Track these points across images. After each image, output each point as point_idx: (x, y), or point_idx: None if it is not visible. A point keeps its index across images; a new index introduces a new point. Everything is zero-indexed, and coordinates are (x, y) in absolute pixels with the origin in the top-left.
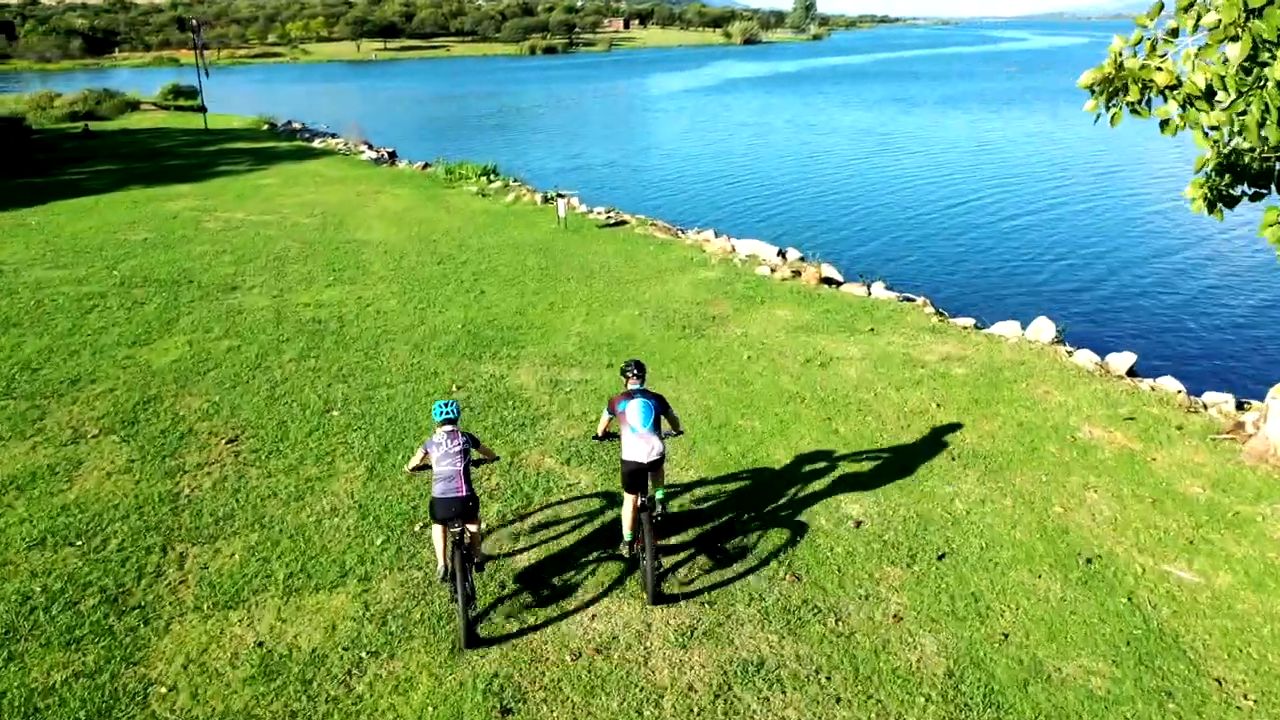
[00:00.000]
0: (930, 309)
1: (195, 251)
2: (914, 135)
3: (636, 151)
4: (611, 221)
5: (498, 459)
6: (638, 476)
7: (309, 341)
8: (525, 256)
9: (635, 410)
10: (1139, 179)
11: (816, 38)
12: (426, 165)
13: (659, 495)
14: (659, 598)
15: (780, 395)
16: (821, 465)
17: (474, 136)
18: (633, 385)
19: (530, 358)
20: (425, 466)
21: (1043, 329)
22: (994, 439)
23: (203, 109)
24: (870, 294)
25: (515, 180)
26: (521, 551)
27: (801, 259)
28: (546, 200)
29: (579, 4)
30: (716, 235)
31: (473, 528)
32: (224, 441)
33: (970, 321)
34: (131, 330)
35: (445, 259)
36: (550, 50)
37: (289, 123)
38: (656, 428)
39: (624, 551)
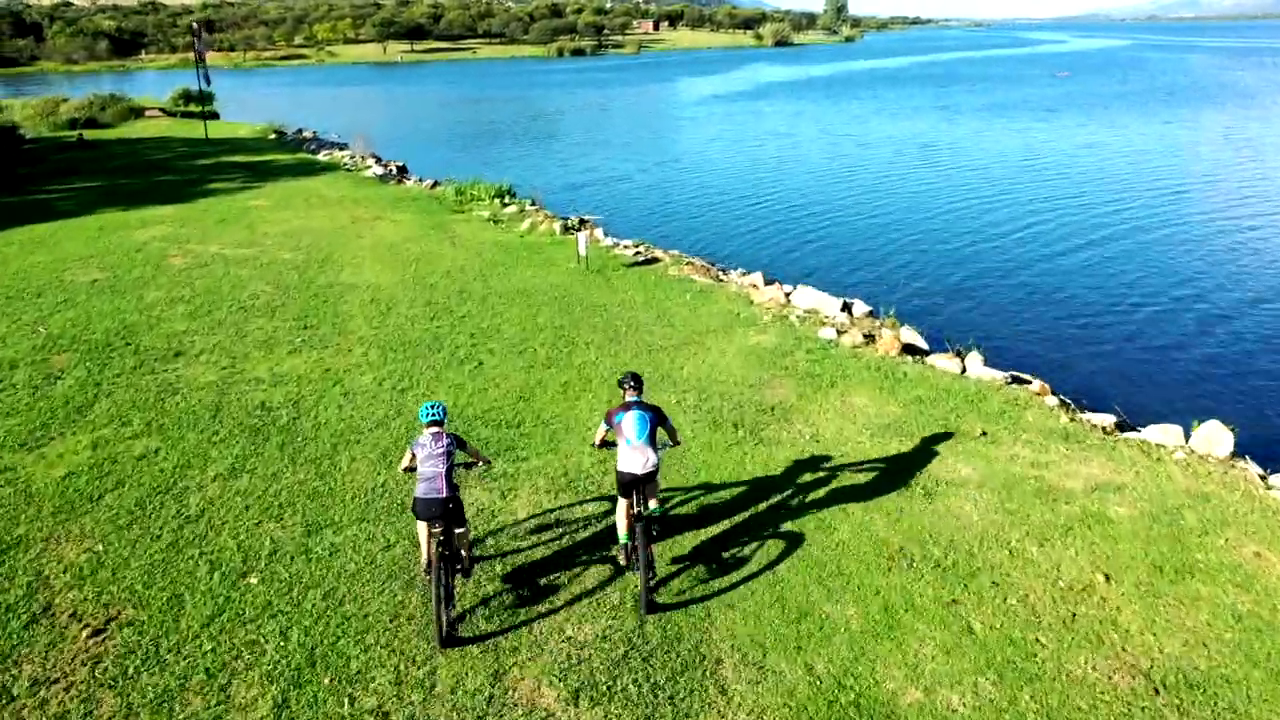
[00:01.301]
0: (1052, 399)
1: (148, 299)
2: (968, 147)
3: (665, 164)
4: (640, 259)
5: (489, 462)
6: (631, 486)
7: (248, 444)
8: (537, 310)
9: (631, 423)
10: None
11: (849, 40)
12: (435, 184)
13: (655, 511)
14: (652, 607)
15: (878, 552)
16: (962, 712)
17: (492, 145)
18: (630, 397)
19: (532, 476)
20: (415, 468)
21: (1216, 438)
22: (1207, 649)
23: (207, 117)
24: (966, 370)
25: (532, 203)
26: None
27: (872, 315)
28: (567, 230)
29: (608, 6)
30: (766, 282)
31: (459, 530)
32: (86, 634)
33: (1109, 420)
34: (28, 422)
35: (441, 312)
36: (579, 53)
37: (299, 131)
38: (652, 440)
39: (618, 554)
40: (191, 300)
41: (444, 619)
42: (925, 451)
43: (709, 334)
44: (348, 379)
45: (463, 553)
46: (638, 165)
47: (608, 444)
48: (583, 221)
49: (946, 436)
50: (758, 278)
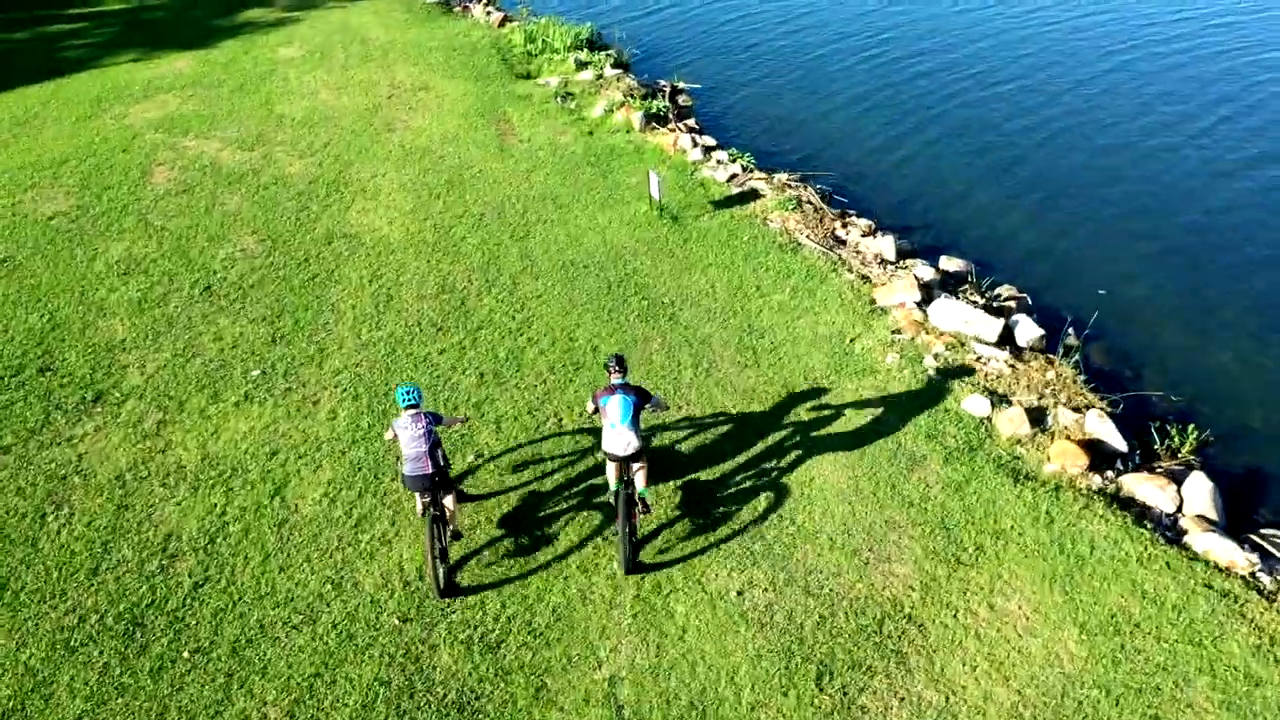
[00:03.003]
0: None
1: (101, 262)
2: None
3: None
4: (736, 192)
5: (466, 419)
6: (615, 463)
7: (114, 656)
8: (581, 309)
9: (615, 407)
10: None
11: None
12: (506, 19)
13: (643, 492)
14: (634, 568)
15: None
16: None
17: None
18: (615, 380)
19: None
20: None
21: None
22: None
23: None
24: (1197, 542)
25: (613, 66)
26: None
27: (1045, 351)
28: (650, 121)
29: None
30: (899, 255)
31: (448, 501)
32: None
33: None
34: None
35: (452, 317)
36: None
37: None
38: (635, 423)
39: (609, 499)
40: (150, 269)
41: (440, 572)
42: None
43: (806, 379)
44: (294, 481)
45: (449, 516)
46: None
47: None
48: (675, 94)
49: None
50: (887, 245)
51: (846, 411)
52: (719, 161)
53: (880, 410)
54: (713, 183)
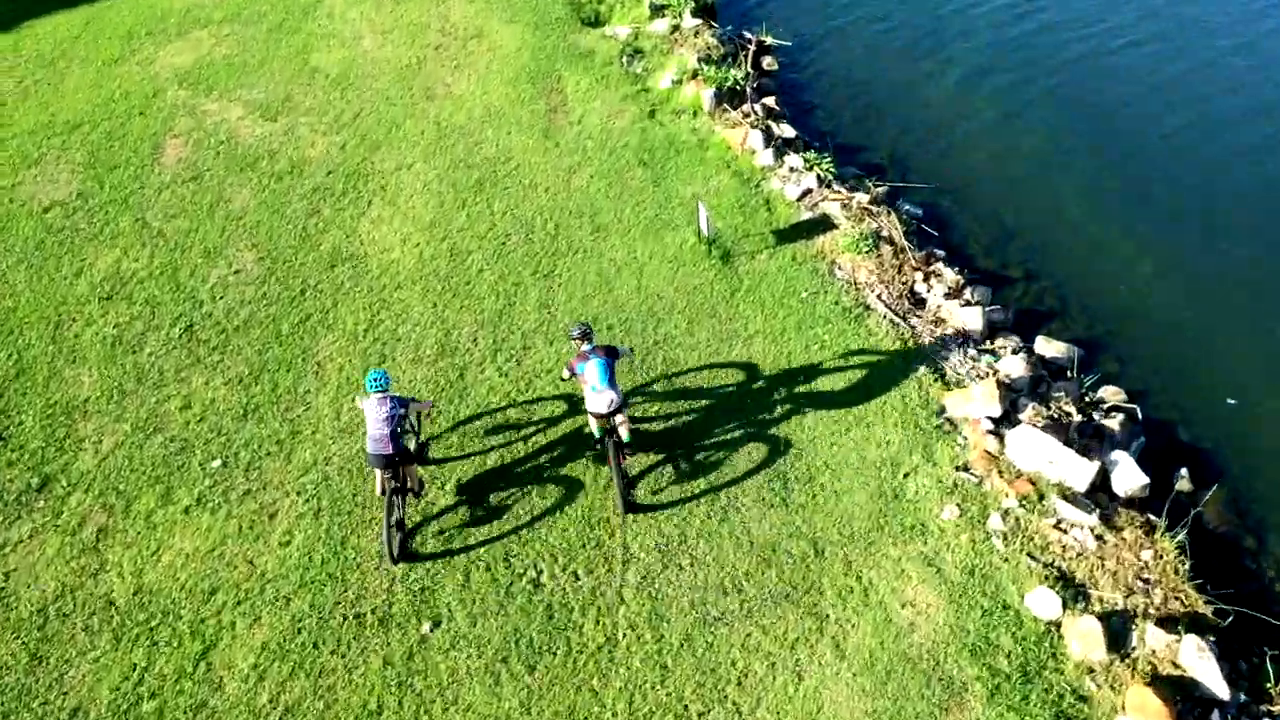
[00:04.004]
0: None
1: (84, 283)
2: None
3: None
4: (807, 216)
5: (432, 403)
6: (600, 419)
7: None
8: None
9: (594, 371)
10: None
11: None
12: None
13: (627, 439)
14: (630, 507)
15: None
16: None
17: None
18: (584, 347)
19: None
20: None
21: None
22: None
23: None
24: None
25: (694, 13)
26: None
27: (1143, 505)
28: (724, 99)
29: None
30: (992, 329)
31: (407, 469)
32: None
33: None
34: None
35: (450, 394)
36: None
37: None
38: (613, 381)
39: (596, 436)
40: (134, 295)
41: (393, 541)
42: None
43: (840, 532)
44: (226, 639)
45: (410, 482)
46: None
47: (575, 374)
48: (759, 52)
49: None
50: (974, 318)
51: (881, 595)
52: (791, 169)
53: (923, 599)
54: (780, 200)
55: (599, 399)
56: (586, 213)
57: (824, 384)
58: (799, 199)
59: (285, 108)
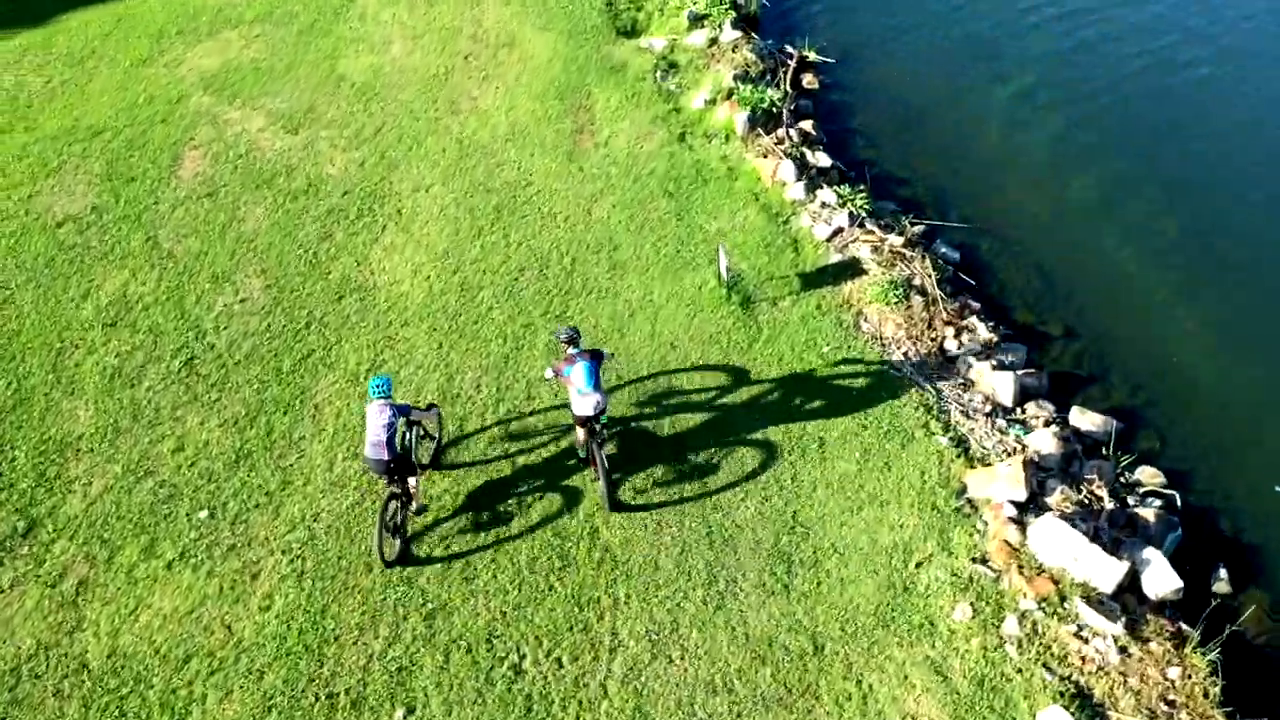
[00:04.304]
0: None
1: (90, 307)
2: None
3: None
4: (836, 259)
5: (433, 407)
6: (585, 423)
7: None
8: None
9: (580, 373)
10: None
11: None
12: None
13: (610, 451)
14: (616, 506)
15: None
16: None
17: None
18: (572, 351)
19: None
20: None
21: None
22: None
23: None
24: None
25: (735, 24)
26: None
27: (1173, 622)
28: (758, 123)
29: None
30: (1021, 399)
31: (410, 481)
32: None
33: None
34: None
35: (460, 428)
36: None
37: None
38: (598, 385)
39: (580, 452)
40: (138, 322)
41: (383, 543)
42: None
43: (843, 628)
44: (195, 714)
45: (413, 492)
46: None
47: (560, 375)
48: (800, 69)
49: None
50: (1005, 384)
51: (881, 704)
52: (823, 205)
53: (925, 711)
54: (808, 240)
55: (584, 402)
56: (605, 247)
57: (839, 454)
58: (829, 239)
59: (308, 119)
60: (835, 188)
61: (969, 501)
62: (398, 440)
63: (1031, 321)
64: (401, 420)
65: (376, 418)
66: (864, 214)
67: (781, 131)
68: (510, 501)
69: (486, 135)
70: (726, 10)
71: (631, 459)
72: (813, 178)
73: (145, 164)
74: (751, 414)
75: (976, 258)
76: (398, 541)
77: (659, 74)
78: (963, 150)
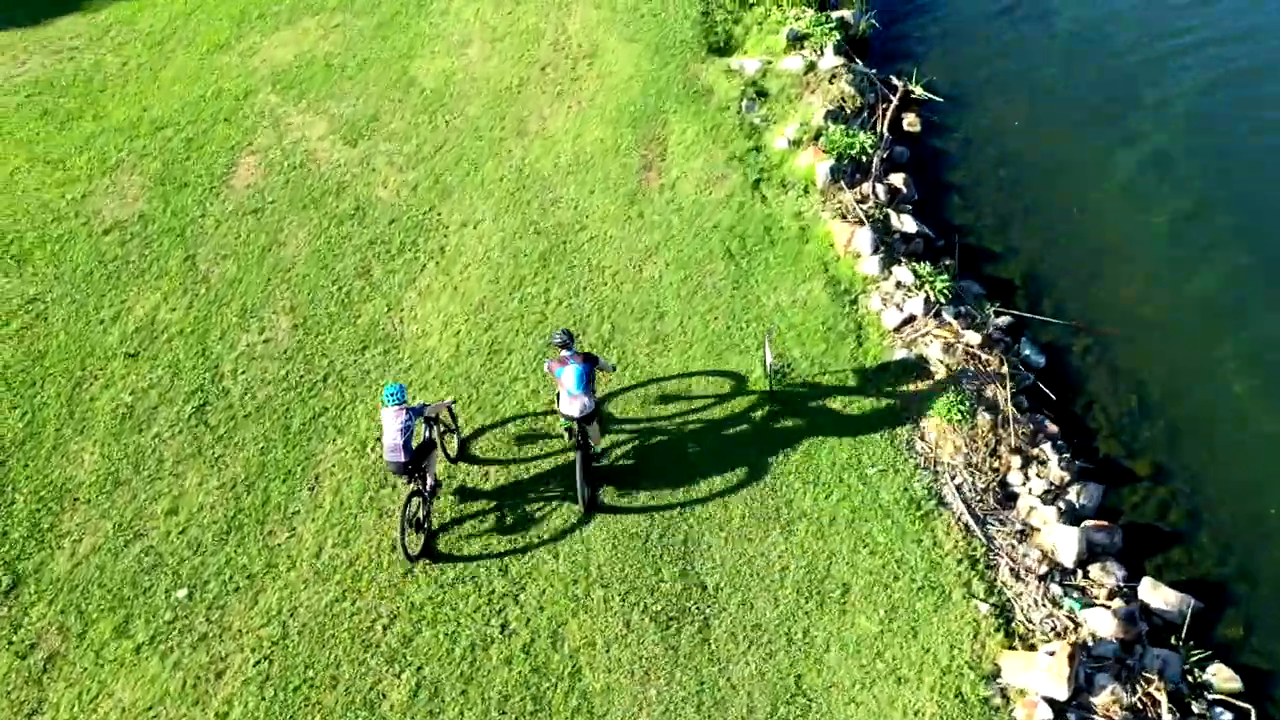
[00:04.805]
0: None
1: (114, 337)
2: None
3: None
4: (901, 355)
5: (448, 402)
6: (572, 423)
7: None
8: (588, 584)
9: (570, 376)
10: None
11: None
12: None
13: (596, 449)
14: (593, 506)
15: None
16: None
17: None
18: (564, 353)
19: None
20: None
21: None
22: None
23: None
24: None
25: (837, 49)
26: None
27: None
28: (842, 174)
29: None
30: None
31: (429, 478)
32: None
33: None
34: None
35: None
36: None
37: None
38: (589, 388)
39: (566, 439)
40: (160, 355)
41: (406, 539)
42: None
43: None
44: None
45: (429, 481)
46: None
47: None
48: (903, 105)
49: None
50: (1069, 541)
51: None
52: (898, 284)
53: None
54: (874, 327)
55: (571, 404)
56: (650, 314)
57: (862, 607)
58: (897, 328)
59: (369, 129)
60: (915, 264)
61: (1001, 691)
62: (414, 440)
63: (1116, 454)
64: (419, 420)
65: (392, 422)
66: (941, 301)
67: (868, 186)
68: (493, 625)
69: (549, 165)
70: (830, 31)
71: (631, 576)
72: (892, 245)
73: (200, 169)
74: (771, 540)
75: (1065, 364)
76: (421, 536)
77: (745, 103)
78: (1071, 225)
